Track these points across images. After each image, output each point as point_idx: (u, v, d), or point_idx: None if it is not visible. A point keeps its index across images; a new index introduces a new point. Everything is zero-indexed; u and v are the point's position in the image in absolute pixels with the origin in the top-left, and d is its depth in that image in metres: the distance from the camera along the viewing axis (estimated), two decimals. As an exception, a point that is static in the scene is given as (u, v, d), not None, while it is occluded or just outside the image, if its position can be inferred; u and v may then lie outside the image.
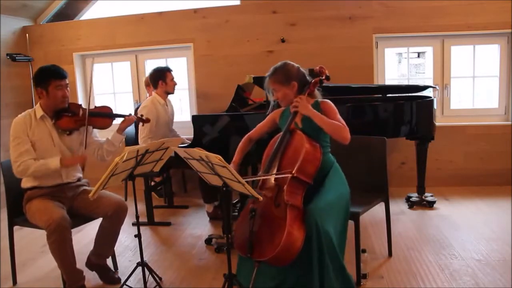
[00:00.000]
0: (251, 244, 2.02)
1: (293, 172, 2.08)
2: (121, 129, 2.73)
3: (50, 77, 2.46)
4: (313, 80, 2.33)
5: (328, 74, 2.34)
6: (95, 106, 2.74)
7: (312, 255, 2.01)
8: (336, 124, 2.18)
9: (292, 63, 2.35)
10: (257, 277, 2.03)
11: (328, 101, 2.32)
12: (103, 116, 2.68)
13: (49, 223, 2.26)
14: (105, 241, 2.60)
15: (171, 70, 3.81)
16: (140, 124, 3.65)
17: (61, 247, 2.29)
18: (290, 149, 2.21)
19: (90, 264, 2.65)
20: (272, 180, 2.20)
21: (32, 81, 2.50)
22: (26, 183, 2.52)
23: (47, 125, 2.52)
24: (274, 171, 2.19)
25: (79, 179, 2.67)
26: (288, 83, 2.29)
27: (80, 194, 2.59)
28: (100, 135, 2.80)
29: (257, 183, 2.29)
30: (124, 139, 2.79)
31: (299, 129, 2.27)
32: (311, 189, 2.17)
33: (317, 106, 2.28)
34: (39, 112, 2.50)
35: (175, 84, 3.81)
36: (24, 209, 2.51)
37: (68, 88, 2.54)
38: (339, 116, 2.24)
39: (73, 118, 2.55)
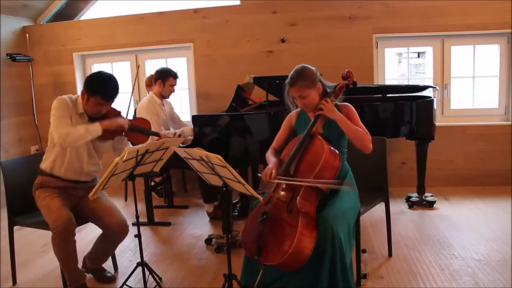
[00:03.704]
0: (260, 247, 2.01)
1: (310, 179, 2.03)
2: None
3: (99, 94, 2.36)
4: (339, 84, 2.28)
5: (355, 80, 2.26)
6: (134, 117, 2.67)
7: (324, 260, 1.99)
8: (360, 131, 2.16)
9: (307, 65, 2.26)
10: (263, 275, 2.02)
11: (349, 105, 2.28)
12: (141, 132, 2.64)
13: (55, 225, 2.25)
14: (102, 251, 2.60)
15: (177, 77, 3.77)
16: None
17: (65, 249, 2.29)
18: (309, 154, 2.18)
19: (85, 267, 2.65)
20: (284, 185, 2.18)
21: (85, 82, 2.43)
22: (45, 164, 2.48)
23: (84, 122, 2.46)
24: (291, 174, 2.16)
25: (94, 179, 2.65)
26: (314, 85, 2.22)
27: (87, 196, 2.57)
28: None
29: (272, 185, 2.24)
30: None
31: (320, 135, 2.24)
32: (324, 194, 2.15)
33: (337, 109, 2.24)
34: (80, 108, 2.45)
35: (172, 91, 3.77)
36: (33, 193, 2.48)
37: (109, 107, 2.48)
38: (361, 123, 2.21)
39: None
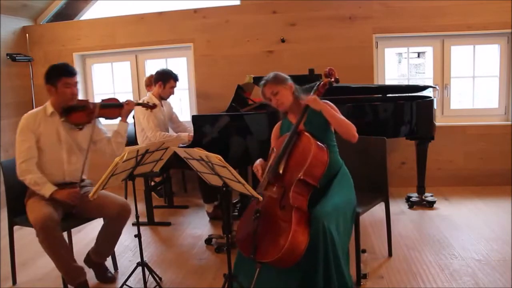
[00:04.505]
0: (255, 245, 2.02)
1: (300, 175, 2.08)
2: (124, 116, 2.75)
3: (60, 75, 2.48)
4: (321, 82, 2.33)
5: (337, 77, 2.33)
6: (102, 100, 2.76)
7: (318, 257, 2.00)
8: (346, 121, 2.21)
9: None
10: (260, 277, 2.03)
11: (328, 101, 2.32)
12: (113, 106, 2.72)
13: (35, 223, 2.28)
14: (107, 241, 2.61)
15: (177, 80, 3.78)
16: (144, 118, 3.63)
17: (51, 246, 2.29)
18: (298, 150, 2.21)
19: (89, 261, 2.65)
20: (278, 182, 2.19)
21: (44, 78, 2.56)
22: None
23: (56, 122, 2.53)
24: (280, 171, 2.18)
25: (82, 180, 2.67)
26: (285, 83, 2.33)
27: (83, 196, 2.56)
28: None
29: (262, 183, 2.26)
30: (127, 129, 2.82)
31: (305, 130, 2.27)
32: (316, 190, 2.17)
33: None
34: (50, 109, 2.53)
35: (171, 93, 3.78)
36: (25, 204, 2.49)
37: (77, 86, 2.56)
38: (343, 116, 2.26)
39: (85, 112, 2.58)
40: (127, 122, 2.78)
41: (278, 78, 2.34)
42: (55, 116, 2.54)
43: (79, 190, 2.49)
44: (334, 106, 2.30)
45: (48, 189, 2.42)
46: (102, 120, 2.81)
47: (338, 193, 2.21)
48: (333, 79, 2.32)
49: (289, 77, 2.39)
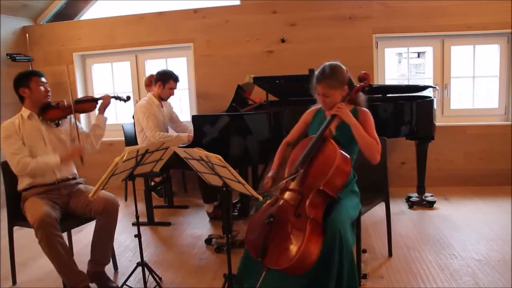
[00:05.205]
0: (264, 249, 1.99)
1: (321, 185, 2.04)
2: (101, 109, 2.84)
3: (30, 75, 2.60)
4: (355, 87, 2.26)
5: (371, 82, 2.26)
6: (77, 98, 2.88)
7: (333, 263, 1.96)
8: (371, 140, 2.15)
9: (341, 65, 2.27)
10: (265, 279, 1.99)
11: (367, 110, 2.26)
12: (86, 101, 2.81)
13: (33, 221, 2.28)
14: (100, 244, 2.54)
15: (177, 81, 3.78)
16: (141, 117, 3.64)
17: (49, 245, 2.28)
18: (321, 157, 2.15)
19: (88, 274, 2.62)
20: (293, 188, 2.16)
21: (14, 87, 2.66)
22: (21, 185, 2.55)
23: (35, 122, 2.59)
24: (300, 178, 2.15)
25: (74, 177, 2.68)
26: (341, 87, 2.23)
27: (75, 193, 2.59)
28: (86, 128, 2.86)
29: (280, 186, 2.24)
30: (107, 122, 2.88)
31: (333, 136, 2.23)
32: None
33: (355, 113, 2.23)
34: (26, 112, 2.59)
35: (171, 94, 3.78)
36: (22, 211, 2.50)
37: (48, 87, 2.65)
38: (374, 132, 2.20)
39: (59, 109, 2.65)
40: (104, 116, 2.85)
41: (336, 80, 2.21)
42: (33, 117, 2.59)
43: (81, 147, 2.64)
44: (371, 118, 2.23)
45: (54, 158, 2.51)
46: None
47: (349, 202, 2.19)
48: (366, 84, 2.25)
49: (346, 74, 2.24)
